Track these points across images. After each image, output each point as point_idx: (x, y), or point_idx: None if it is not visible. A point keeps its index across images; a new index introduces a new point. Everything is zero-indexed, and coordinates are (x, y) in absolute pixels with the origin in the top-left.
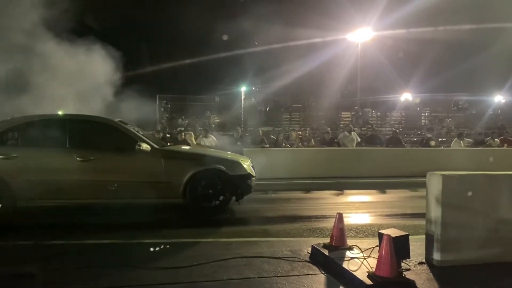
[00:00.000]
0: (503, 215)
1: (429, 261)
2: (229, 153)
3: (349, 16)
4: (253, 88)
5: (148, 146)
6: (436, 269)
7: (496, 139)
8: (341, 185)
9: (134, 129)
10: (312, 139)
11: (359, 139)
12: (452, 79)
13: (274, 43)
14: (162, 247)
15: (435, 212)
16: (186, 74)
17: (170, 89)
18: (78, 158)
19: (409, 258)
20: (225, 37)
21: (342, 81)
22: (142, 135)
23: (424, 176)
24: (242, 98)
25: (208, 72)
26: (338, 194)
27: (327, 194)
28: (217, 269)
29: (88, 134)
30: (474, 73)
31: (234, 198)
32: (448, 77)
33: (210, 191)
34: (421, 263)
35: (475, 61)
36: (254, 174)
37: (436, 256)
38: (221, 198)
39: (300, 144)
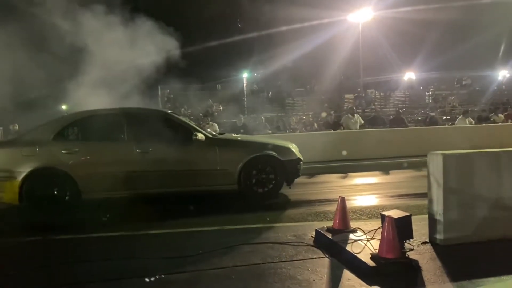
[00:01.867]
0: (505, 192)
1: (432, 241)
2: (278, 139)
3: None
4: (255, 74)
5: (203, 136)
6: (440, 248)
7: (500, 115)
8: (345, 167)
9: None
10: (315, 123)
11: (362, 121)
12: (456, 56)
13: (274, 27)
14: (168, 237)
15: (437, 191)
16: (185, 63)
17: (170, 79)
18: (137, 150)
19: (412, 238)
20: (228, 22)
21: (344, 62)
22: (196, 125)
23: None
24: (245, 84)
25: (207, 60)
26: (342, 177)
27: (331, 177)
28: (223, 257)
29: (146, 126)
30: (477, 49)
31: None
32: (451, 54)
33: (263, 176)
34: (424, 242)
35: (479, 38)
36: (302, 158)
37: (439, 235)
38: (273, 183)
39: (303, 129)
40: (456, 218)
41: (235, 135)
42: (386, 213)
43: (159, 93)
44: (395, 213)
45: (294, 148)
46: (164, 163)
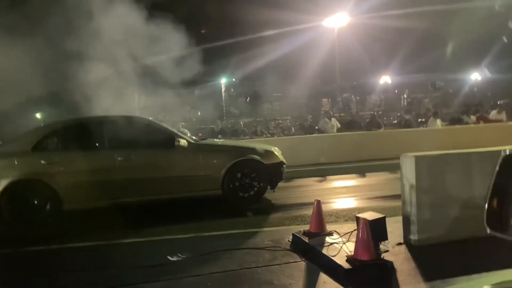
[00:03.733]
0: (476, 191)
1: (407, 242)
2: (260, 143)
3: (325, 1)
4: (233, 80)
5: (186, 142)
6: (414, 249)
7: (472, 116)
8: (323, 171)
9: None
10: (292, 128)
11: (339, 125)
12: (429, 60)
13: (251, 31)
14: (143, 245)
15: (410, 193)
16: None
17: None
18: (119, 158)
19: (387, 240)
20: (200, 29)
21: (321, 67)
22: (178, 131)
23: None
24: (223, 90)
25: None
26: (320, 181)
27: (309, 181)
28: (199, 264)
29: (127, 133)
30: (450, 53)
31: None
32: (425, 59)
33: (247, 181)
34: (399, 244)
35: (452, 42)
36: (285, 161)
37: (413, 236)
38: (257, 187)
39: (281, 133)
40: (429, 219)
41: (218, 140)
42: (361, 215)
43: (136, 99)
44: (370, 215)
45: (277, 151)
46: (147, 170)
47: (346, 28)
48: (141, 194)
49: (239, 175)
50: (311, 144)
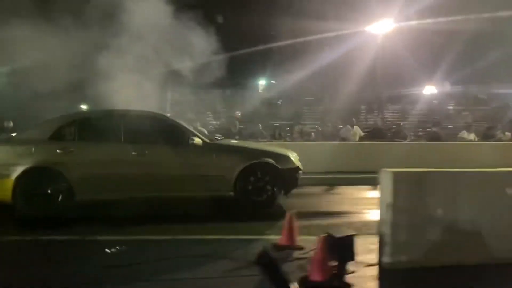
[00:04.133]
0: (461, 215)
1: (380, 263)
2: (277, 146)
3: (369, 8)
4: (272, 82)
5: (200, 140)
6: (385, 272)
7: (507, 133)
8: (332, 180)
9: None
10: (312, 133)
11: (362, 133)
12: (479, 71)
13: (291, 37)
14: (111, 244)
15: (386, 211)
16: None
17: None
18: (133, 153)
19: (353, 260)
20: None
21: (362, 74)
22: (194, 129)
23: None
24: (260, 91)
25: (225, 66)
26: (326, 190)
27: (317, 189)
28: (155, 269)
29: (143, 128)
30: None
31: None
32: (475, 69)
33: (260, 184)
34: (370, 265)
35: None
36: (301, 167)
37: (387, 258)
38: (270, 191)
39: (300, 138)
40: (405, 241)
41: (234, 141)
42: (330, 231)
43: (169, 97)
44: (339, 232)
45: (293, 156)
46: (159, 166)
47: (391, 35)
48: (151, 190)
49: (252, 178)
50: (327, 150)
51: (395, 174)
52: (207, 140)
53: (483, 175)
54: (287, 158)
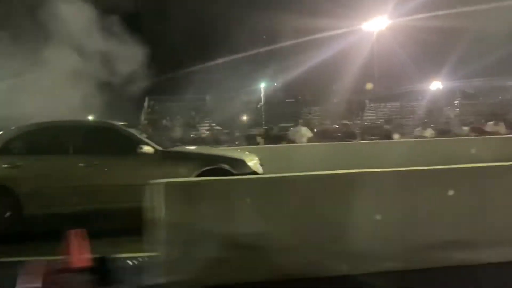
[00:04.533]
0: (237, 227)
1: (151, 285)
2: (238, 150)
3: (364, 5)
4: (275, 84)
5: (151, 148)
6: None
7: (464, 128)
8: None
9: (138, 132)
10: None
11: (310, 134)
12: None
13: (287, 37)
14: None
15: (158, 227)
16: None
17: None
18: (80, 164)
19: (110, 286)
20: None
21: (359, 73)
22: (146, 137)
23: None
24: (262, 94)
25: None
26: None
27: None
28: None
29: (91, 139)
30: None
31: None
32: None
33: None
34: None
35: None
36: (260, 172)
37: (161, 279)
38: None
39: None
40: (180, 259)
41: (191, 147)
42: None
43: (146, 103)
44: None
45: (251, 161)
46: (108, 177)
47: (386, 32)
48: (100, 202)
49: None
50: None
51: (167, 186)
52: (159, 148)
53: (264, 182)
54: (242, 163)
